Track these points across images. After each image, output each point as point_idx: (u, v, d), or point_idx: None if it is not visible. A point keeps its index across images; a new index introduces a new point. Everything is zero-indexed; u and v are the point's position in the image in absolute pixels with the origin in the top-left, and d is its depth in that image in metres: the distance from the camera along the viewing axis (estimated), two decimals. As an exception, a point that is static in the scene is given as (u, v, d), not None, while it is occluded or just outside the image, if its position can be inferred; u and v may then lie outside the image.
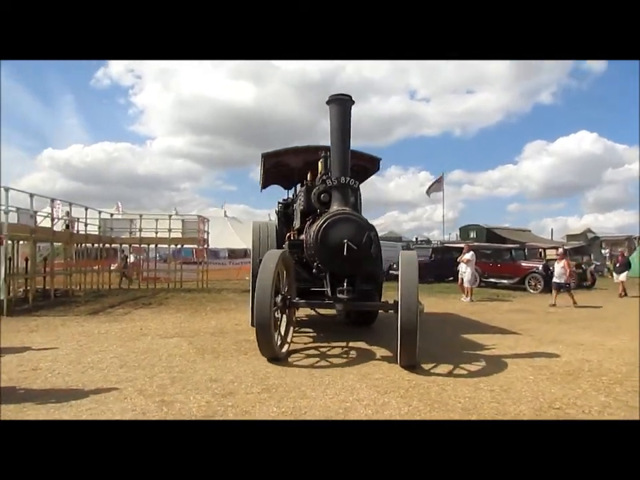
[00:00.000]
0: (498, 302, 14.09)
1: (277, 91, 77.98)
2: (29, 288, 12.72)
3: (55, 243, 13.45)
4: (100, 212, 15.65)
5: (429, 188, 31.08)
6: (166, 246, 17.79)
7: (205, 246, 17.48)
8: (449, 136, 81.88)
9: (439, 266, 21.00)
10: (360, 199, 7.58)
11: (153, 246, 17.85)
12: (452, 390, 4.73)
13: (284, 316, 6.61)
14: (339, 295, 5.98)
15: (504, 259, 18.37)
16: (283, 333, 6.53)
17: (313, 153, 7.94)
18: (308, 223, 6.99)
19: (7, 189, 9.93)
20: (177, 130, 75.83)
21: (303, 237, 7.23)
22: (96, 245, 16.23)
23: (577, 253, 24.26)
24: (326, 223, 6.06)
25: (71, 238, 13.50)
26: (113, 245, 17.23)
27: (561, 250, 14.51)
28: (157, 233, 16.62)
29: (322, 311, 7.44)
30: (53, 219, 12.23)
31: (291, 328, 7.04)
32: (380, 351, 6.61)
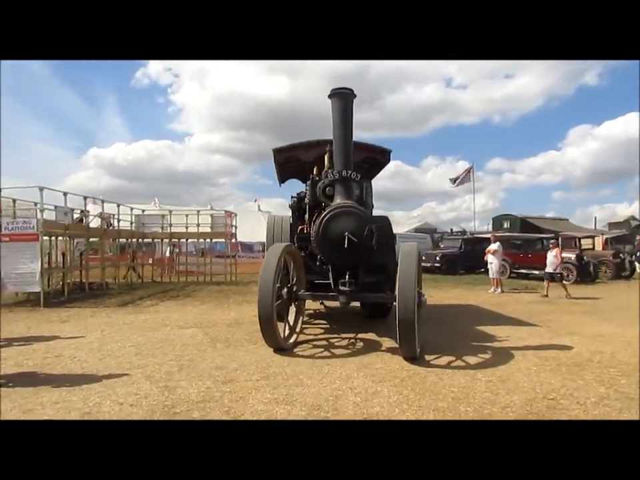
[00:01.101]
0: (526, 293, 13.87)
1: (311, 85, 78.19)
2: (68, 281, 13.49)
3: (92, 239, 14.24)
4: (132, 208, 16.30)
5: (455, 180, 30.32)
6: (202, 240, 18.33)
7: (233, 240, 17.92)
8: (488, 123, 79.73)
9: (469, 257, 20.72)
10: (367, 191, 7.55)
11: (190, 240, 18.35)
12: (448, 379, 4.77)
13: (292, 307, 6.78)
14: (341, 287, 6.13)
15: (535, 249, 17.92)
16: (291, 324, 6.72)
17: (323, 146, 7.93)
18: (315, 216, 7.04)
19: (41, 188, 10.55)
20: (214, 126, 77.45)
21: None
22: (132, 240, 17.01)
23: (618, 242, 23.29)
24: (327, 217, 6.17)
25: (104, 233, 14.13)
26: (146, 240, 17.89)
27: (553, 240, 14.09)
28: (187, 227, 17.16)
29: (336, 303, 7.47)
30: (86, 216, 12.85)
31: (300, 319, 7.17)
32: (388, 342, 6.69)
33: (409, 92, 78.73)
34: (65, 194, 11.67)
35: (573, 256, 16.89)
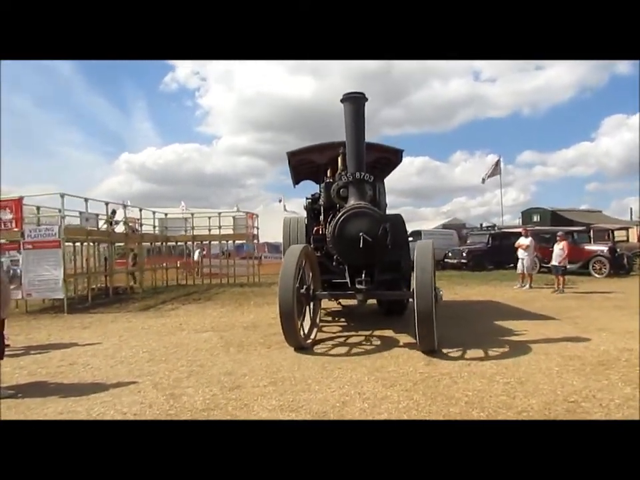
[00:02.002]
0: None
1: (336, 84, 77.93)
2: (93, 287, 13.76)
3: (118, 244, 14.49)
4: (154, 212, 16.50)
5: (485, 175, 29.58)
6: (225, 242, 18.47)
7: (255, 241, 17.97)
8: (518, 116, 77.67)
9: (497, 252, 20.16)
10: (380, 191, 7.65)
11: (216, 243, 18.51)
12: (463, 383, 4.57)
13: (308, 307, 6.82)
14: (358, 286, 6.29)
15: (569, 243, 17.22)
16: (310, 324, 6.80)
17: (337, 149, 7.94)
18: (330, 217, 7.10)
19: (62, 195, 10.76)
20: (240, 128, 78.23)
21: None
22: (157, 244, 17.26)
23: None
24: (342, 218, 6.33)
25: (127, 238, 14.35)
26: (169, 243, 18.12)
27: (561, 232, 13.45)
28: (210, 230, 17.30)
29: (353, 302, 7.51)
30: (111, 222, 13.06)
31: (317, 318, 7.25)
32: (404, 339, 6.69)
33: (435, 87, 77.48)
34: (86, 200, 11.87)
35: (605, 248, 16.24)
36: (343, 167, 7.45)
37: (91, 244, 13.35)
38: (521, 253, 13.39)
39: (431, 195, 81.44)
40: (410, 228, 29.62)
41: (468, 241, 22.69)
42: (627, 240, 19.89)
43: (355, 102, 6.64)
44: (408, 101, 77.68)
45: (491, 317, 8.44)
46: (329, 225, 6.85)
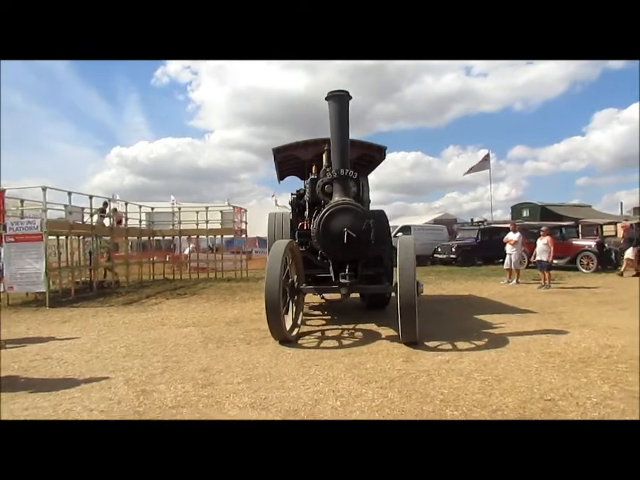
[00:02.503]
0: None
1: (329, 78, 77.59)
2: (77, 280, 13.58)
3: (105, 237, 14.29)
4: (140, 206, 16.29)
5: (470, 169, 29.49)
6: (214, 237, 18.34)
7: (243, 235, 17.83)
8: (509, 111, 77.75)
9: (486, 248, 20.18)
10: (364, 187, 7.87)
11: (208, 237, 18.30)
12: (440, 380, 4.50)
13: (292, 301, 6.92)
14: (342, 280, 6.42)
15: (553, 238, 17.23)
16: (292, 318, 6.88)
17: (321, 146, 8.08)
18: (315, 213, 7.17)
19: (44, 188, 10.56)
20: (233, 122, 77.79)
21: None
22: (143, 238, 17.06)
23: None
24: (327, 214, 6.43)
25: (112, 231, 14.16)
26: (156, 237, 17.93)
27: (544, 227, 13.41)
28: (197, 224, 17.14)
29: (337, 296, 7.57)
30: (91, 215, 12.88)
31: (300, 313, 7.36)
32: (386, 332, 6.80)
33: (428, 82, 77.23)
34: (70, 193, 11.67)
35: (593, 244, 16.27)
36: (327, 164, 7.51)
37: (76, 237, 13.11)
38: (508, 248, 13.38)
39: (424, 190, 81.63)
40: (402, 223, 29.72)
41: (457, 236, 22.70)
42: (616, 235, 19.92)
43: (339, 100, 6.72)
44: (401, 95, 77.68)
45: (475, 312, 8.40)
46: (314, 220, 6.91)
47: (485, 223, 24.07)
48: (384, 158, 9.04)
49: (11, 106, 69.55)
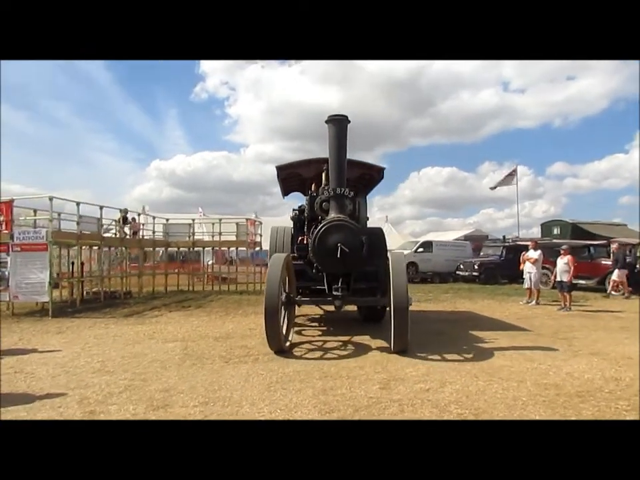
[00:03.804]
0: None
1: (363, 93, 77.66)
2: (88, 290, 13.70)
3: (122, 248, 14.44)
4: (154, 217, 16.40)
5: (497, 183, 28.54)
6: (232, 249, 18.32)
7: (257, 248, 17.72)
8: (548, 127, 75.24)
9: (511, 266, 19.23)
10: (362, 205, 8.14)
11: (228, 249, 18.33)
12: (411, 412, 4.09)
13: (286, 314, 7.09)
14: (334, 292, 6.82)
15: (581, 257, 16.29)
16: (286, 328, 7.05)
17: (322, 164, 8.29)
18: (313, 228, 7.45)
19: (50, 198, 10.69)
20: (268, 137, 78.84)
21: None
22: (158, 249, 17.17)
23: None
24: (322, 229, 6.82)
25: (121, 242, 14.24)
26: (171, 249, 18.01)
27: (565, 246, 12.51)
28: (213, 236, 17.16)
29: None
30: (101, 225, 12.98)
31: (292, 327, 7.55)
32: (378, 343, 7.08)
33: (463, 97, 75.83)
34: (78, 204, 11.78)
35: (624, 264, 15.26)
36: (326, 182, 7.83)
37: (88, 247, 13.25)
38: (528, 267, 12.68)
39: (458, 206, 79.80)
40: (431, 238, 29.05)
41: (481, 253, 21.89)
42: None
43: (338, 123, 7.17)
44: (436, 110, 76.56)
45: (479, 334, 7.86)
46: (312, 234, 7.19)
47: (510, 240, 23.13)
48: (382, 178, 9.32)
49: (55, 118, 72.92)
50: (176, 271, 17.56)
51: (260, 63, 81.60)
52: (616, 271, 14.21)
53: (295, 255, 7.98)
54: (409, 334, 6.11)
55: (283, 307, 6.67)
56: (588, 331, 8.33)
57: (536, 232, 33.66)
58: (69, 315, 10.85)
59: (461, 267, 20.72)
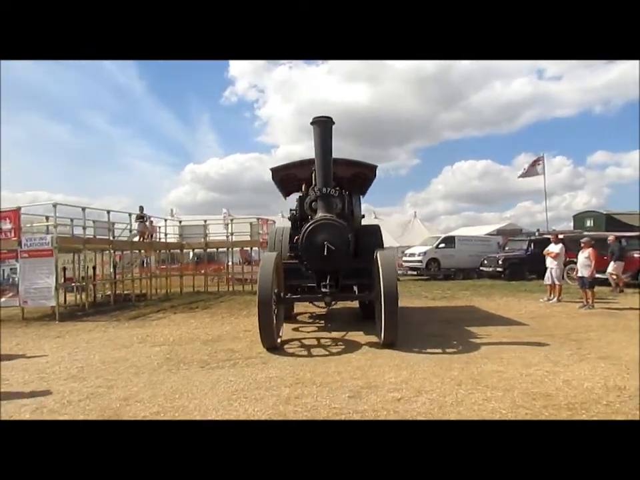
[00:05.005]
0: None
1: (392, 89, 76.64)
2: (102, 293, 13.86)
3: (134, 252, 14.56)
4: (165, 220, 16.47)
5: (522, 173, 27.25)
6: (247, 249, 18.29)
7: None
8: (588, 115, 71.99)
9: (538, 261, 18.30)
10: (353, 204, 8.47)
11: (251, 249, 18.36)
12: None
13: (276, 312, 6.98)
14: (322, 289, 6.98)
15: (596, 250, 15.23)
16: (277, 325, 6.99)
17: (314, 165, 8.19)
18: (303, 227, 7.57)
19: (54, 205, 10.81)
20: (297, 137, 79.04)
21: None
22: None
23: None
24: (309, 228, 6.99)
25: (132, 246, 14.33)
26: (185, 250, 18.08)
27: (586, 238, 11.55)
28: (227, 236, 17.12)
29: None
30: (110, 229, 13.09)
31: (281, 325, 7.59)
32: (368, 339, 7.25)
33: (496, 88, 73.37)
34: (84, 209, 11.92)
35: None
36: (316, 182, 7.88)
37: (102, 252, 13.37)
38: (549, 262, 11.96)
39: (494, 199, 77.47)
40: (464, 232, 28.19)
41: (506, 248, 20.98)
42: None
43: (323, 125, 7.32)
44: (467, 103, 74.48)
45: (481, 336, 7.35)
46: (300, 233, 7.38)
47: (536, 234, 22.09)
48: (375, 176, 9.37)
49: (92, 126, 75.51)
50: (191, 272, 17.59)
51: (287, 63, 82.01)
52: (612, 264, 13.38)
53: (292, 254, 8.17)
54: (397, 327, 6.37)
55: (276, 303, 6.78)
56: (605, 332, 7.68)
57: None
58: (78, 318, 10.95)
59: (485, 262, 19.94)
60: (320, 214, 7.22)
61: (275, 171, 9.20)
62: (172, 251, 17.92)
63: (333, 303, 7.80)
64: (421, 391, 4.55)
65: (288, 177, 9.40)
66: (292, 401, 4.36)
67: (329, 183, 7.34)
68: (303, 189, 8.57)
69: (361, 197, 9.58)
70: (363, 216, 9.01)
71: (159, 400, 4.50)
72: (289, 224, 9.13)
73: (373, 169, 9.15)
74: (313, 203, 7.63)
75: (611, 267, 13.42)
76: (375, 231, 8.89)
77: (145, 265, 19.20)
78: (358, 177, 9.29)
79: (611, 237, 14.24)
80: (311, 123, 7.37)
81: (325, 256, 6.68)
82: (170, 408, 4.25)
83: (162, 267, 18.08)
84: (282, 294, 7.28)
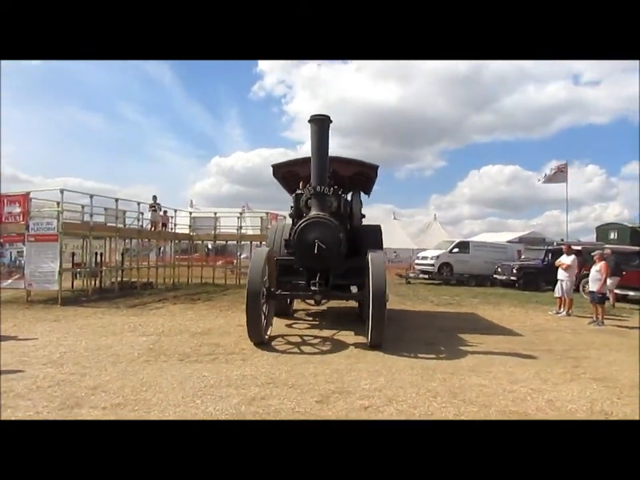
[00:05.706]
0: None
1: (422, 89, 75.96)
2: (110, 280, 14.02)
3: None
4: (175, 210, 16.57)
5: (544, 178, 26.49)
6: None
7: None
8: (624, 122, 69.96)
9: (554, 271, 17.81)
10: (352, 203, 8.39)
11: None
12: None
13: (265, 307, 7.11)
14: (312, 287, 7.01)
15: (630, 265, 14.73)
16: (265, 321, 7.08)
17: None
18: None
19: (61, 191, 10.95)
20: (324, 134, 79.18)
21: None
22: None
23: None
24: (301, 226, 7.02)
25: (139, 235, 14.44)
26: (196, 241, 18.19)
27: (598, 251, 11.03)
28: (237, 230, 17.15)
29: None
30: (117, 217, 13.20)
31: (270, 321, 7.50)
32: (357, 339, 7.19)
33: (529, 92, 71.81)
34: (92, 196, 12.05)
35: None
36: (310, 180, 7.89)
37: (110, 239, 13.52)
38: (561, 274, 11.55)
39: (521, 207, 75.92)
40: (483, 238, 27.60)
41: (522, 256, 20.44)
42: None
43: (320, 123, 7.28)
44: (499, 106, 73.21)
45: (475, 347, 7.09)
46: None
47: (555, 243, 21.46)
48: (376, 176, 9.28)
49: (121, 117, 77.14)
50: (202, 264, 17.68)
51: (316, 61, 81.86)
52: (609, 280, 12.66)
53: (288, 251, 7.92)
54: (384, 329, 6.37)
55: (263, 299, 6.79)
56: (607, 351, 7.33)
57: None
58: (80, 303, 11.08)
59: (499, 270, 19.44)
60: (313, 212, 7.22)
61: (277, 168, 9.12)
62: (194, 242, 18.09)
63: (324, 301, 7.98)
64: (392, 400, 4.39)
65: (290, 174, 9.31)
66: (256, 402, 4.26)
67: (324, 181, 7.32)
68: (301, 186, 8.51)
69: (367, 196, 9.67)
70: (364, 216, 8.86)
71: (125, 392, 4.45)
72: None
73: (374, 168, 9.05)
74: (308, 201, 7.60)
75: (608, 283, 12.86)
76: (375, 230, 8.89)
77: (160, 255, 19.47)
78: (360, 176, 9.18)
79: (607, 251, 13.68)
80: (309, 121, 7.33)
81: (316, 254, 6.71)
82: (131, 401, 4.20)
83: (183, 257, 18.24)
84: (272, 289, 7.21)
